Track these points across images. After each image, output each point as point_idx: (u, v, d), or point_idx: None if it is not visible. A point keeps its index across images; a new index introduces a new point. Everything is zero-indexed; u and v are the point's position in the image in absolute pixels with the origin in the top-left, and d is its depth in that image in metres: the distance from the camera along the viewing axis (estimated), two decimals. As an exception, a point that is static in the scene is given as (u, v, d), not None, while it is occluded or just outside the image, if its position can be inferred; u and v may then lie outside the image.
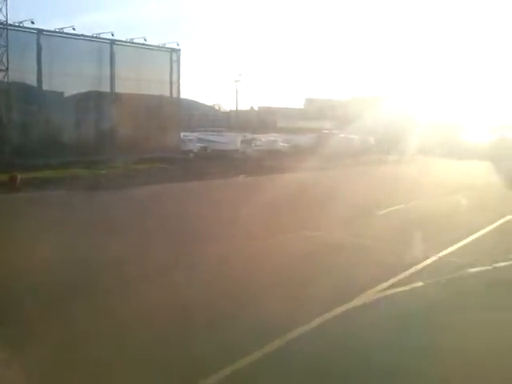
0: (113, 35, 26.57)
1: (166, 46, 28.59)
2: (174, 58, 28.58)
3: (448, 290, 6.45)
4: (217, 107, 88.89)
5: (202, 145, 27.40)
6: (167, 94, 28.59)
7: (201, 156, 25.49)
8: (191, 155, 26.32)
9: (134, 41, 27.98)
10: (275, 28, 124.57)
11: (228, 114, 74.88)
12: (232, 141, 28.10)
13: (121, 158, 23.24)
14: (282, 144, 31.60)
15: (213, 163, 22.32)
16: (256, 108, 78.54)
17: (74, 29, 25.61)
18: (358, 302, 5.88)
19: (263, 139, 31.45)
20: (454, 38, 61.08)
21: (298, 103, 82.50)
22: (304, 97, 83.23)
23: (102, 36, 26.87)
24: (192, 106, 78.82)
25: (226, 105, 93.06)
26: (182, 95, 31.07)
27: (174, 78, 28.49)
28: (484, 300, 6.06)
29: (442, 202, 13.91)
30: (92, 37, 26.97)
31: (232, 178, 19.43)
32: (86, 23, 46.98)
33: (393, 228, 10.40)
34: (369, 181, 18.81)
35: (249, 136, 30.94)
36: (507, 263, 7.66)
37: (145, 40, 27.69)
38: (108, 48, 27.33)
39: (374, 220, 11.26)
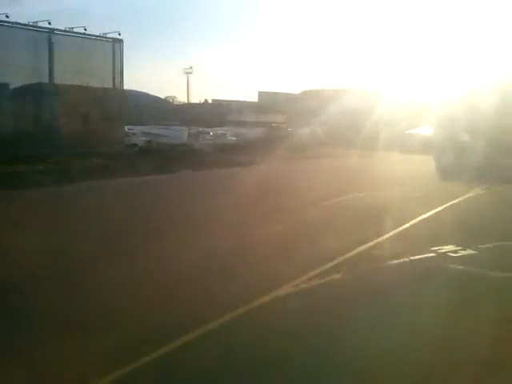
0: (50, 24, 25.35)
1: (108, 35, 27.57)
2: (117, 48, 27.61)
3: (359, 284, 6.38)
4: (170, 100, 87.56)
5: (146, 139, 26.67)
6: (110, 85, 27.59)
7: (144, 150, 24.82)
8: (135, 149, 25.59)
9: (74, 30, 26.84)
10: (228, 18, 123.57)
11: (181, 107, 73.78)
12: (178, 134, 27.52)
13: (61, 153, 22.34)
14: (230, 138, 31.30)
15: (154, 158, 21.76)
16: (210, 101, 77.85)
17: (7, 16, 24.28)
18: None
19: (212, 133, 31.04)
20: (413, 29, 62.27)
21: (252, 96, 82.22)
22: (258, 90, 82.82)
23: (39, 25, 25.66)
24: (142, 98, 77.03)
25: (182, 98, 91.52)
26: (132, 87, 30.19)
27: (117, 69, 27.53)
28: (390, 295, 6.01)
29: (379, 195, 14.09)
30: (28, 25, 25.66)
31: (173, 174, 19.03)
32: (22, 12, 44.83)
33: (322, 221, 10.39)
34: (309, 174, 18.89)
35: (196, 129, 30.44)
36: (426, 255, 7.70)
37: (85, 30, 26.61)
38: (46, 37, 26.07)
39: (305, 214, 11.21)
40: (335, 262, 7.18)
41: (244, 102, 75.17)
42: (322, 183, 16.27)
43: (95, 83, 26.79)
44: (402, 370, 4.20)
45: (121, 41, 27.84)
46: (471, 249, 7.98)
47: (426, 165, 24.11)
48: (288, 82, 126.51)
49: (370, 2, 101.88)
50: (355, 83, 74.26)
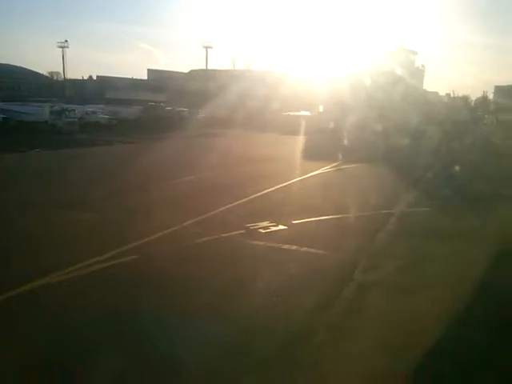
0: None
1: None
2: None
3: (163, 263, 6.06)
4: (54, 76, 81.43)
5: (3, 116, 24.18)
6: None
7: (-1, 128, 22.49)
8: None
9: None
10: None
11: (63, 84, 68.78)
12: (39, 112, 25.30)
13: None
14: (102, 116, 29.59)
15: (7, 135, 19.76)
16: (95, 77, 73.58)
17: None
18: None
19: (80, 111, 29.05)
20: (311, 18, 63.52)
21: (143, 74, 79.04)
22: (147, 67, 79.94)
23: None
24: (20, 73, 70.74)
25: (70, 74, 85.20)
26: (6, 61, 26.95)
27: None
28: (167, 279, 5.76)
29: (234, 173, 14.06)
30: None
31: (20, 153, 17.38)
32: None
33: (165, 199, 9.99)
34: (169, 154, 18.34)
35: (60, 107, 28.25)
36: (237, 232, 7.61)
37: None
38: None
39: (159, 191, 10.72)
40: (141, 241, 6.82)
41: (132, 79, 72.22)
42: (179, 162, 15.89)
43: None
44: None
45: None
46: (284, 224, 8.06)
47: (292, 145, 24.85)
48: (177, 60, 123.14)
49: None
50: (253, 65, 75.02)
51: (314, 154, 20.56)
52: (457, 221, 8.64)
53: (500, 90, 78.56)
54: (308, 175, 13.90)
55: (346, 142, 25.53)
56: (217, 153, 18.75)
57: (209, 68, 62.81)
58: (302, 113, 39.92)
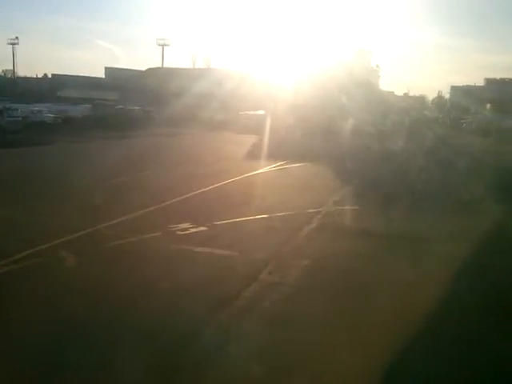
0: None
1: None
2: None
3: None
4: (9, 74, 78.57)
5: None
6: None
7: None
8: None
9: None
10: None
11: (14, 82, 66.49)
12: (-24, 111, 24.28)
13: None
14: (47, 115, 28.66)
15: None
16: (50, 76, 71.45)
17: None
18: None
19: (25, 110, 28.02)
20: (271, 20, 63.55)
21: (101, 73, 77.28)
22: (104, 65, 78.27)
23: None
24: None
25: (24, 71, 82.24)
26: None
27: None
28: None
29: (171, 173, 13.79)
30: None
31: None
32: None
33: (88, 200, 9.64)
34: (119, 153, 17.86)
35: (2, 106, 27.15)
36: (153, 234, 7.39)
37: None
38: None
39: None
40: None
41: (89, 77, 70.49)
42: (112, 164, 15.41)
43: None
44: None
45: None
46: (204, 226, 7.90)
47: (244, 144, 24.70)
48: (141, 59, 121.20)
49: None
50: (213, 64, 74.38)
51: (262, 152, 20.47)
52: (381, 219, 8.71)
53: (456, 90, 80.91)
54: (248, 175, 13.80)
55: (298, 141, 25.64)
56: (160, 152, 18.44)
57: (168, 66, 62.05)
58: (260, 112, 39.85)
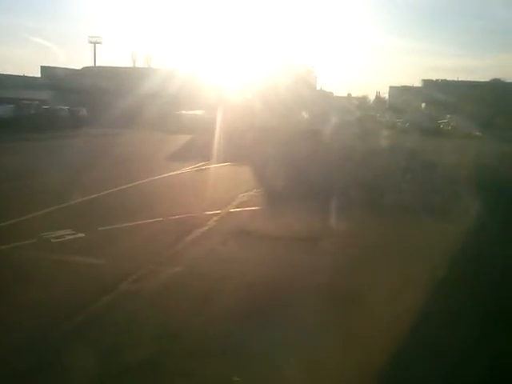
0: None
1: None
2: None
3: None
4: None
5: None
6: None
7: None
8: None
9: None
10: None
11: None
12: None
13: None
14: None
15: None
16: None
17: None
18: None
19: None
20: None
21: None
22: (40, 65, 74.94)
23: None
24: None
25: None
26: None
27: None
28: None
29: (81, 176, 13.04)
30: None
31: None
32: None
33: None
34: (33, 155, 16.91)
35: None
36: (28, 242, 6.82)
37: None
38: None
39: None
40: None
41: (24, 76, 67.21)
42: (22, 165, 14.61)
43: None
44: None
45: None
46: (84, 232, 7.39)
47: (173, 144, 24.18)
48: (80, 58, 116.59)
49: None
50: (154, 63, 72.85)
51: (187, 153, 20.08)
52: (279, 220, 8.52)
53: (394, 91, 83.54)
54: (161, 176, 13.33)
55: (230, 141, 25.32)
56: (81, 154, 17.61)
57: (105, 65, 60.15)
58: (196, 112, 39.31)
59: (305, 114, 34.60)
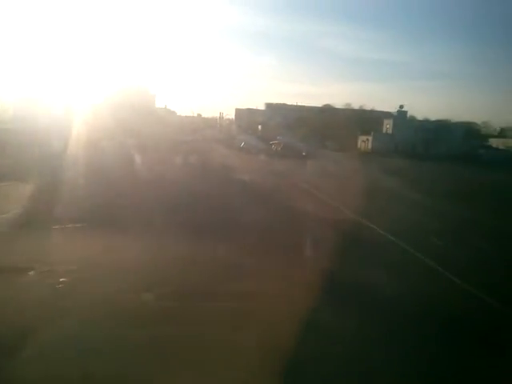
0: None
1: None
2: None
3: None
4: None
5: None
6: None
7: None
8: None
9: None
10: None
11: None
12: None
13: None
14: None
15: None
16: None
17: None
18: None
19: None
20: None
21: None
22: None
23: None
24: None
25: None
26: None
27: None
28: None
29: None
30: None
31: None
32: None
33: None
34: None
35: None
36: None
37: None
38: None
39: None
40: None
41: None
42: None
43: None
44: None
45: None
46: None
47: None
48: None
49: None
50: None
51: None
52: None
53: (239, 112, 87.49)
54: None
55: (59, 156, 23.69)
56: None
57: None
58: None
59: (138, 130, 34.48)
